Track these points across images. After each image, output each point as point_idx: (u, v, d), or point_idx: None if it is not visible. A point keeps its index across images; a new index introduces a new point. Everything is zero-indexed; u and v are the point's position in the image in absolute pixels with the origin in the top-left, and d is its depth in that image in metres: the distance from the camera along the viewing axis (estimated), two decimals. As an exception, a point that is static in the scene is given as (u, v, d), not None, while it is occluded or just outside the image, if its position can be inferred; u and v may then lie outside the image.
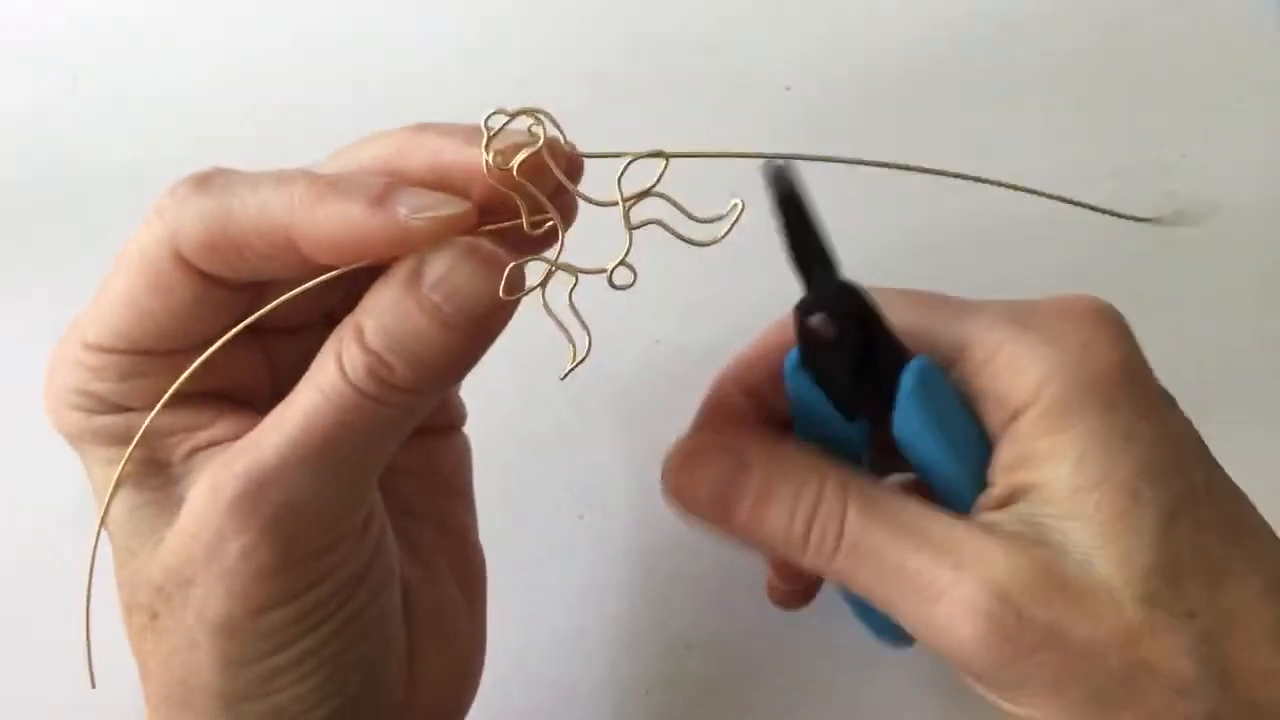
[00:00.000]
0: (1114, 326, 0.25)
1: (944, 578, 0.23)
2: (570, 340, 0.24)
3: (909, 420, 0.25)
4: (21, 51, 0.46)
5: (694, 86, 0.45)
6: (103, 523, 0.25)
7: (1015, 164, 0.42)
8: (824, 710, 0.35)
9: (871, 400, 0.26)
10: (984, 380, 0.25)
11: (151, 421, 0.24)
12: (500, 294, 0.22)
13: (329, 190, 0.22)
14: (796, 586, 0.32)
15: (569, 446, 0.38)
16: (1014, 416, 0.25)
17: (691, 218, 0.23)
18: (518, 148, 0.22)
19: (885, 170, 0.25)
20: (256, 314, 0.24)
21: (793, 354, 0.26)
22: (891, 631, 0.29)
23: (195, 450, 0.25)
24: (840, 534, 0.25)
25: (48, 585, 0.37)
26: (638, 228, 0.23)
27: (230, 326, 0.24)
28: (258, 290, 0.25)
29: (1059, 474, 0.24)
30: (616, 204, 0.23)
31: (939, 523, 0.25)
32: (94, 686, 0.27)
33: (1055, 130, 0.43)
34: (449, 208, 0.22)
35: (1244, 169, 0.42)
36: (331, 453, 0.23)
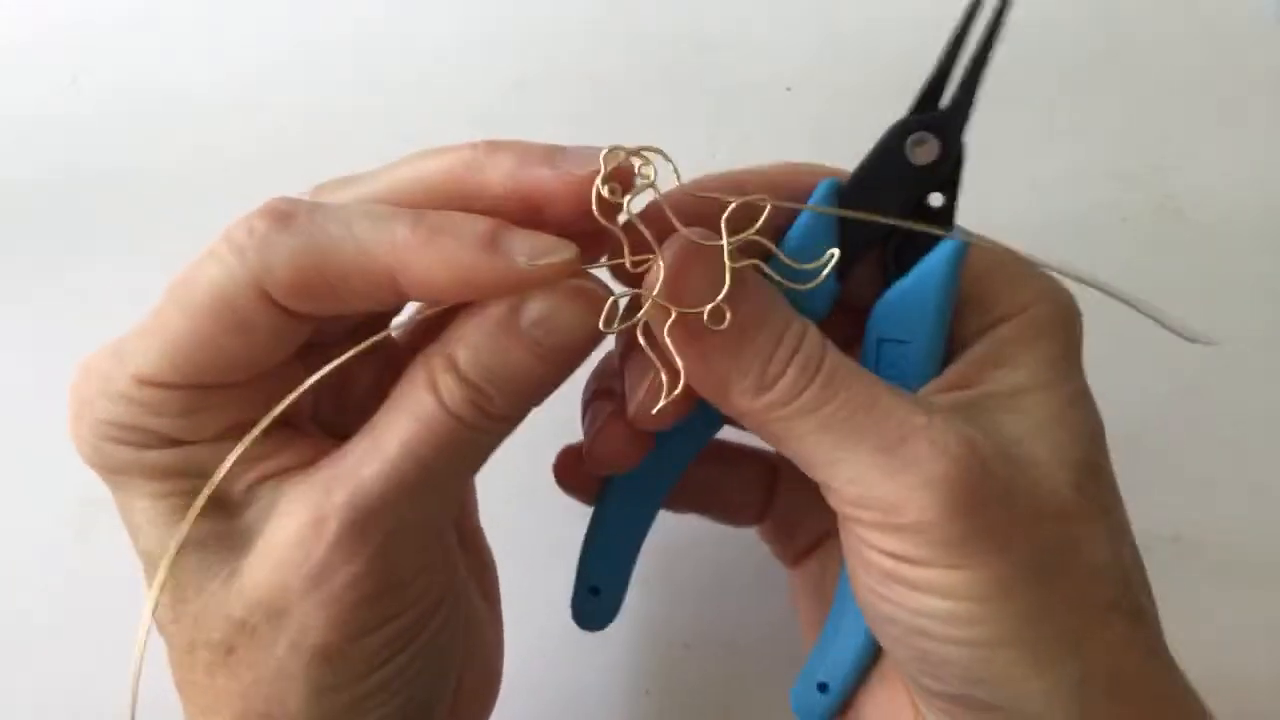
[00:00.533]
0: (1073, 299, 0.27)
1: (916, 419, 0.24)
2: (662, 375, 0.24)
3: (924, 291, 0.26)
4: (22, 52, 0.46)
5: (694, 87, 0.45)
6: (168, 559, 0.24)
7: (1016, 164, 0.42)
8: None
9: (863, 268, 0.27)
10: (979, 287, 0.26)
11: (209, 456, 0.24)
12: (600, 327, 0.23)
13: (437, 233, 0.22)
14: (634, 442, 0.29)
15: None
16: (998, 321, 0.26)
17: (791, 265, 0.25)
18: (621, 180, 0.23)
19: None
20: (350, 353, 0.23)
21: (832, 181, 0.26)
22: (598, 610, 0.31)
23: (261, 480, 0.24)
24: (820, 365, 0.24)
25: (44, 591, 0.37)
26: (739, 267, 0.24)
27: (299, 352, 0.25)
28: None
29: (1018, 375, 0.25)
30: (721, 245, 0.23)
31: (903, 392, 0.25)
32: None
33: (1055, 130, 0.43)
34: (561, 254, 0.23)
35: (1244, 169, 0.42)
36: (433, 479, 0.23)
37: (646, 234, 0.23)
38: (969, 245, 0.26)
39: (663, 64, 0.45)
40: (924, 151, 0.26)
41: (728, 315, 0.23)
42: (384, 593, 0.23)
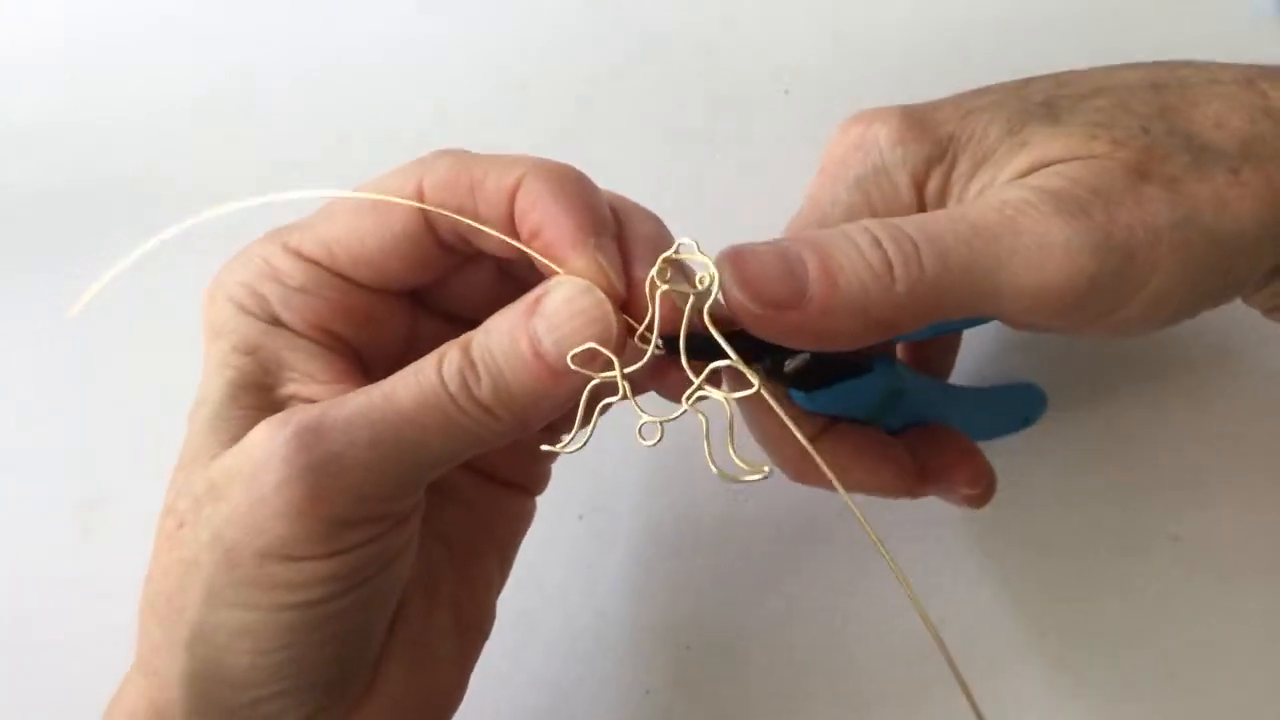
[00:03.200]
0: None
1: (1003, 216, 0.24)
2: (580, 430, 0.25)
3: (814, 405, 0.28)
4: (22, 58, 0.46)
5: (693, 88, 0.45)
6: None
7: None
8: (824, 709, 0.35)
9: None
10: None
11: (286, 350, 0.26)
12: (597, 345, 0.23)
13: (561, 170, 0.25)
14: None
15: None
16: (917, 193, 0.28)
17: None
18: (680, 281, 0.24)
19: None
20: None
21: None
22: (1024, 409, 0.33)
23: (297, 398, 0.25)
24: (908, 235, 0.24)
25: (45, 591, 0.37)
26: (695, 402, 0.24)
27: (417, 282, 0.27)
28: (452, 261, 0.27)
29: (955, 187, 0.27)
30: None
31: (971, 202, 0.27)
32: None
33: (1055, 130, 0.43)
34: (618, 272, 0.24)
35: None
36: (396, 431, 0.23)
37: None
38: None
39: (663, 64, 0.45)
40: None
41: (660, 434, 0.24)
42: (307, 517, 0.23)
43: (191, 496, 0.24)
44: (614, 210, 0.26)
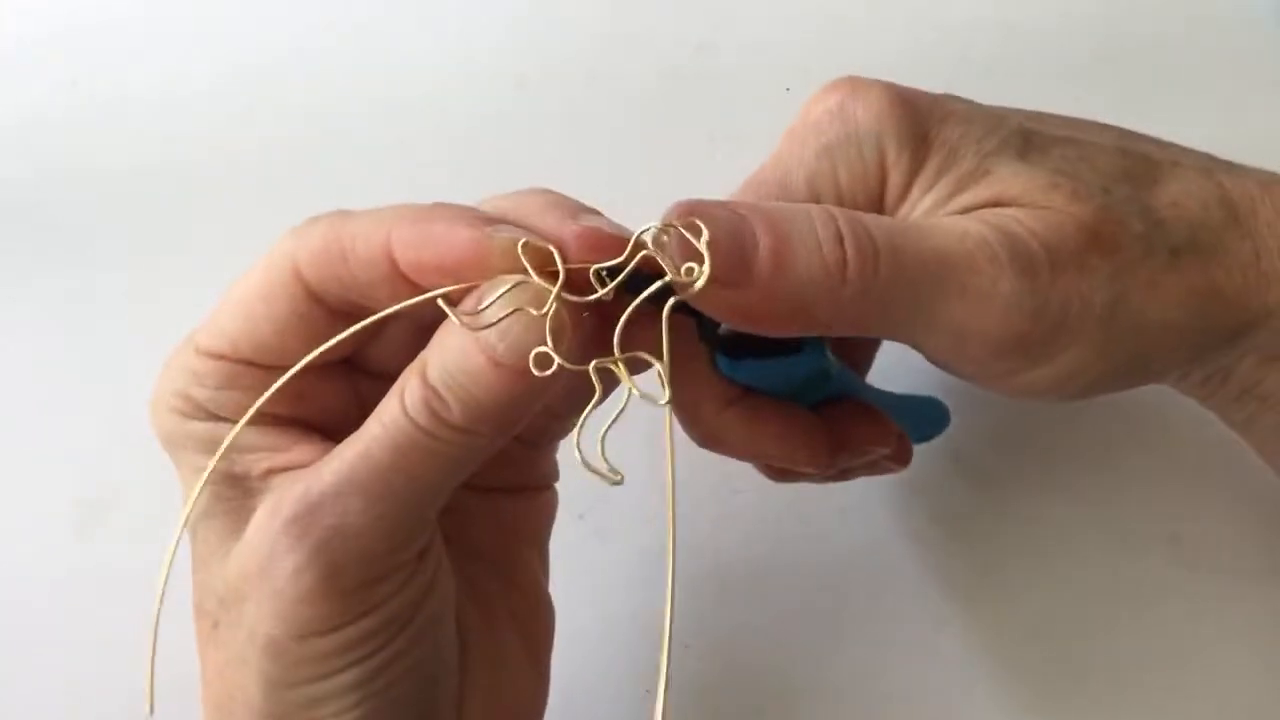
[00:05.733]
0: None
1: (961, 249, 0.24)
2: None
3: (736, 375, 0.27)
4: (21, 55, 0.46)
5: (694, 86, 0.45)
6: (185, 526, 0.26)
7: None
8: (824, 709, 0.35)
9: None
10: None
11: (237, 437, 0.25)
12: (551, 346, 0.22)
13: (429, 208, 0.23)
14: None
15: (568, 446, 0.38)
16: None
17: None
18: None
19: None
20: (343, 334, 0.24)
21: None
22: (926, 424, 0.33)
23: (272, 471, 0.25)
24: (872, 237, 0.24)
25: (44, 591, 0.37)
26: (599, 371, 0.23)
27: (341, 374, 0.26)
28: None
29: (921, 207, 0.27)
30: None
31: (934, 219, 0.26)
32: (151, 713, 0.26)
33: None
34: (536, 239, 0.23)
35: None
36: (385, 483, 0.23)
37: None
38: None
39: (663, 64, 0.45)
40: None
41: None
42: (329, 593, 0.23)
43: (216, 598, 0.25)
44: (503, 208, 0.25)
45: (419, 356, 0.24)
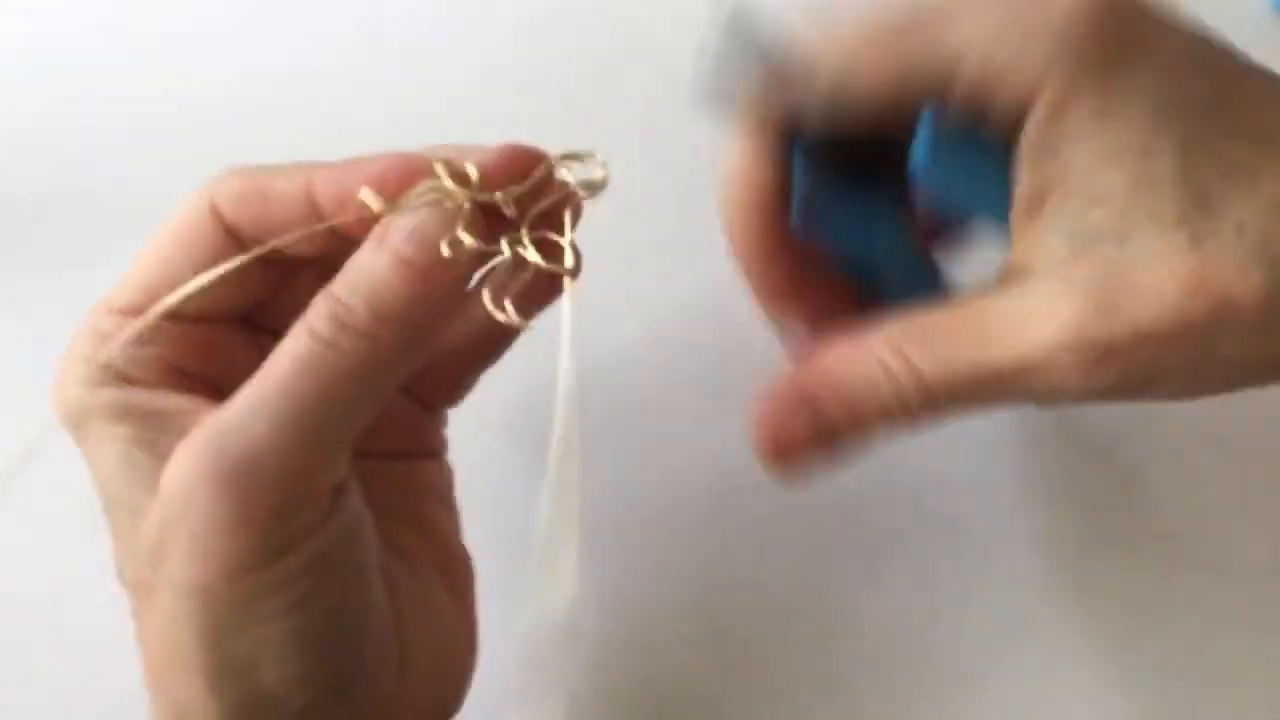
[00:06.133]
0: None
1: (1023, 334, 0.24)
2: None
3: (932, 178, 0.25)
4: (24, 60, 0.46)
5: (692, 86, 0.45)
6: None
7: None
8: (824, 710, 0.35)
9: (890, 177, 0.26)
10: (986, 98, 0.25)
11: (153, 403, 0.25)
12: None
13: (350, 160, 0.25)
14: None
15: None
16: (1021, 128, 0.24)
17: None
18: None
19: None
20: (252, 252, 0.25)
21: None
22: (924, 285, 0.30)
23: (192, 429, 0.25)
24: (928, 387, 0.25)
25: (44, 591, 0.37)
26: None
27: (243, 304, 0.27)
28: (272, 276, 0.27)
29: (1073, 173, 0.23)
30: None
31: (984, 300, 0.25)
32: None
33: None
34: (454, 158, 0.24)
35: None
36: (292, 402, 0.23)
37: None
38: (929, 118, 0.25)
39: (661, 64, 0.45)
40: None
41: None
42: (244, 524, 0.23)
43: (143, 561, 0.24)
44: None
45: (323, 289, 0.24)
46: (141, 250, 0.26)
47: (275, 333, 0.26)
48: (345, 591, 0.25)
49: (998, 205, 0.25)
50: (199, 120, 0.45)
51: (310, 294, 0.26)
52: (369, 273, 0.24)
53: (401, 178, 0.24)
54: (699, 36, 0.46)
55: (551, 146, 0.29)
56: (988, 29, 0.24)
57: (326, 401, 0.24)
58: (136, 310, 0.25)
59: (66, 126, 0.45)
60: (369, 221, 0.24)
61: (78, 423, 0.26)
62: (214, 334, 0.27)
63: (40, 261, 0.43)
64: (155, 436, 0.25)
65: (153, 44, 0.46)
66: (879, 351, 0.25)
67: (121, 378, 0.25)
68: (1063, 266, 0.24)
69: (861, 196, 0.28)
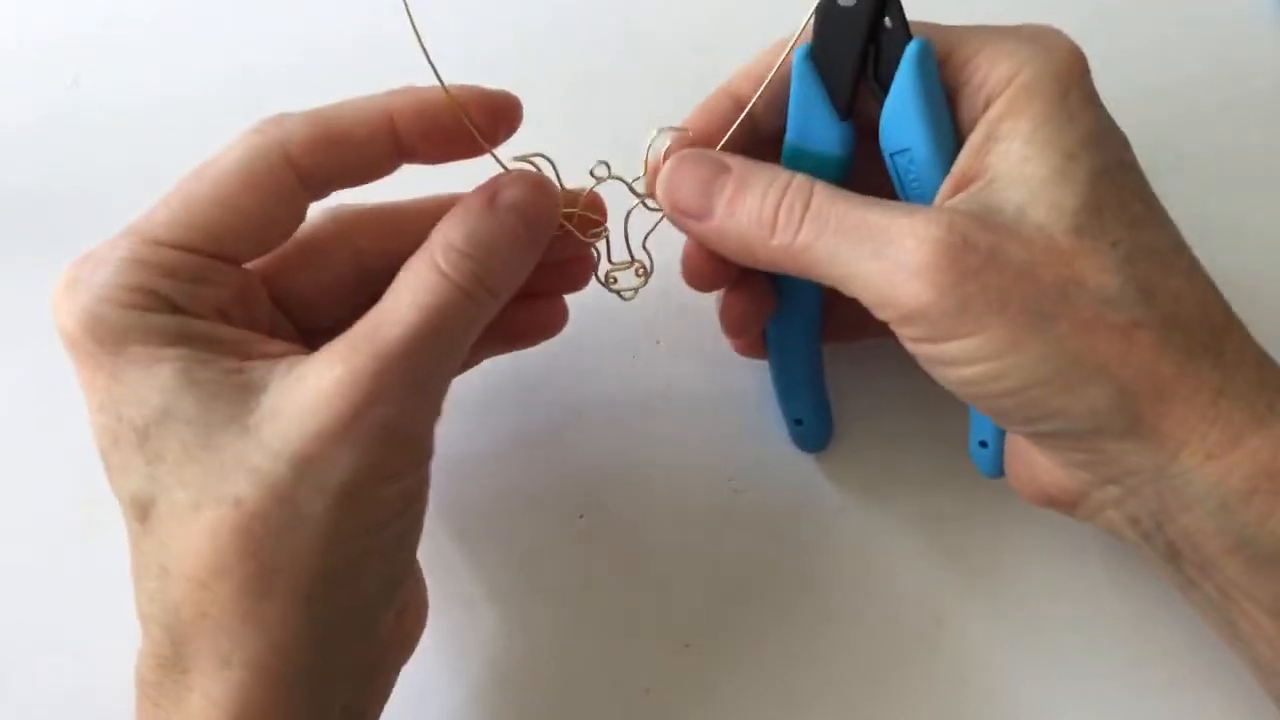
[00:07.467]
0: (1071, 42, 0.28)
1: (899, 222, 0.26)
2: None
3: (902, 96, 0.28)
4: (23, 54, 0.46)
5: (693, 86, 0.45)
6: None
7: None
8: (823, 710, 0.35)
9: (865, 95, 0.29)
10: (966, 74, 0.28)
11: (206, 332, 0.26)
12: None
13: (423, 90, 0.28)
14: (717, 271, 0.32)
15: (568, 446, 0.38)
16: (988, 103, 0.27)
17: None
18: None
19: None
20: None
21: (804, 46, 0.29)
22: (807, 435, 0.36)
23: (263, 356, 0.26)
24: (806, 206, 0.27)
25: (45, 591, 0.37)
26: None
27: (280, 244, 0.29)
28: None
29: (1011, 149, 0.26)
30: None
31: (896, 203, 0.28)
32: None
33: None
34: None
35: (1242, 168, 0.42)
36: (443, 339, 0.26)
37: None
38: (927, 40, 0.28)
39: (663, 64, 0.45)
40: None
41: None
42: (408, 440, 0.26)
43: (246, 473, 0.24)
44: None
45: (427, 243, 0.27)
46: (194, 189, 0.26)
47: (285, 301, 0.29)
48: (419, 518, 0.28)
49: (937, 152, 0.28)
50: (198, 118, 0.45)
51: (329, 285, 0.30)
52: (494, 238, 0.27)
53: (493, 107, 0.29)
54: (699, 36, 0.46)
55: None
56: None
57: (461, 343, 0.27)
58: (192, 250, 0.26)
59: (67, 124, 0.45)
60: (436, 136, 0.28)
61: (103, 340, 0.25)
62: (253, 282, 0.28)
63: (39, 256, 0.43)
64: (216, 358, 0.25)
65: (152, 41, 0.46)
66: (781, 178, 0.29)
67: (173, 307, 0.26)
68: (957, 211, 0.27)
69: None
